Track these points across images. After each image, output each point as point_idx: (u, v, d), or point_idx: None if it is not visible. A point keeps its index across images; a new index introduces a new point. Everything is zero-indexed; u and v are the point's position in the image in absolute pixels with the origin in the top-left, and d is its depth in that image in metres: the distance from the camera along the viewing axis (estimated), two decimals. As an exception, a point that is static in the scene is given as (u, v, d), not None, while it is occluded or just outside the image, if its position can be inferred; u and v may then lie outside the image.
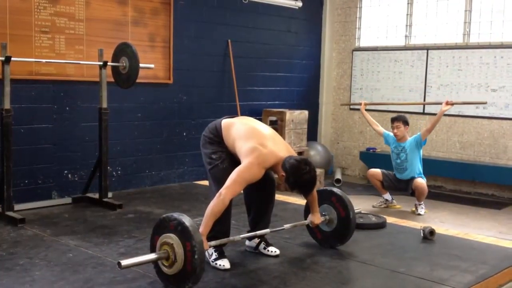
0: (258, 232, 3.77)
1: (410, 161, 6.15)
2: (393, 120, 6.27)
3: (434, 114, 6.47)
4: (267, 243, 3.94)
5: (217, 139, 3.74)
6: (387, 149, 6.78)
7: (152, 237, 3.29)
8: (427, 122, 6.87)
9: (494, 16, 7.23)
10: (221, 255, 3.63)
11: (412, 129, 7.52)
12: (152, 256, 3.18)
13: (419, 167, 6.19)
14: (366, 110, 6.69)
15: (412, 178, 6.13)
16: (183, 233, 3.09)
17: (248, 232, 3.93)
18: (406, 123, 6.23)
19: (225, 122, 3.77)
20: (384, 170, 6.38)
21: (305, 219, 4.12)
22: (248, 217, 3.99)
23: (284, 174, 3.46)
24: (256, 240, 3.93)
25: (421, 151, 6.24)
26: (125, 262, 3.01)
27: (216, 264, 3.60)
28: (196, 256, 3.03)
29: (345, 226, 4.03)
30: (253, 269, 3.63)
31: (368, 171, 6.55)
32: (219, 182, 3.52)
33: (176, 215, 3.19)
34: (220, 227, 3.58)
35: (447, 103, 6.03)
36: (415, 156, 6.15)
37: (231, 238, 3.58)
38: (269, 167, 3.53)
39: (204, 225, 3.30)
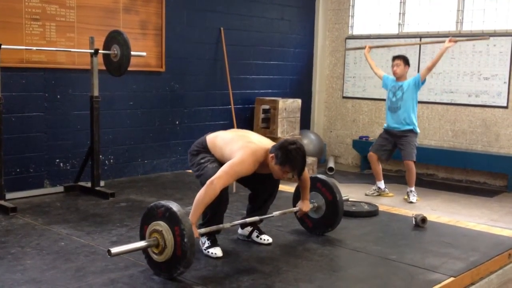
0: (248, 220, 3.78)
1: (405, 100, 6.11)
2: (394, 58, 6.25)
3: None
4: (260, 231, 3.95)
5: (204, 149, 3.76)
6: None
7: (141, 227, 3.30)
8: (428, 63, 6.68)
9: (487, 4, 7.23)
10: (213, 244, 3.64)
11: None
12: (142, 243, 3.19)
13: (413, 110, 6.13)
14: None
15: (403, 130, 6.09)
16: (171, 218, 3.11)
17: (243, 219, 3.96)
18: (406, 62, 6.20)
19: (209, 136, 3.83)
20: (373, 146, 6.37)
21: (294, 206, 4.14)
22: (248, 205, 4.01)
23: (273, 155, 3.48)
24: (249, 229, 3.95)
25: (417, 95, 6.20)
26: (115, 249, 3.02)
27: (208, 252, 3.60)
28: (185, 240, 3.04)
29: (333, 210, 4.05)
30: (246, 257, 3.64)
31: (368, 155, 6.50)
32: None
33: (163, 202, 3.21)
34: (214, 219, 3.61)
35: (450, 40, 6.00)
36: (411, 97, 6.12)
37: (220, 225, 3.58)
38: (261, 160, 3.54)
39: (193, 213, 3.32)
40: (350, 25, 8.52)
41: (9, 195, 4.92)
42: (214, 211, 3.57)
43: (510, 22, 7.06)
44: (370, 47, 6.70)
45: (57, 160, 5.71)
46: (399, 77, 6.19)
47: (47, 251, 3.67)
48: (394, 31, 8.04)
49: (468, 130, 7.40)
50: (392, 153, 6.37)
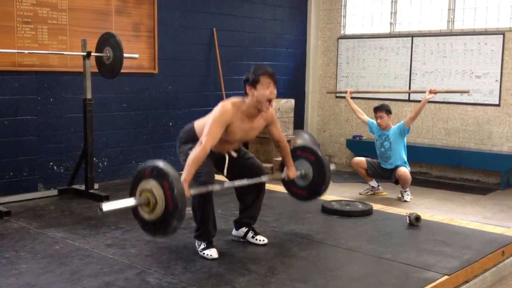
0: (236, 182, 3.74)
1: (394, 149, 6.18)
2: (376, 110, 6.28)
3: (419, 101, 6.49)
4: (255, 232, 3.96)
5: (192, 138, 3.76)
6: (373, 136, 6.81)
7: (131, 193, 3.31)
8: (412, 108, 6.88)
9: (478, 3, 7.26)
10: (209, 245, 3.65)
11: (398, 116, 7.57)
12: (133, 201, 3.22)
13: (403, 155, 6.21)
14: (352, 97, 6.69)
15: (396, 167, 6.16)
16: (159, 174, 3.15)
17: (236, 220, 3.98)
18: (388, 112, 6.25)
19: (197, 122, 3.86)
20: (368, 158, 6.41)
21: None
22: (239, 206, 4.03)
23: (247, 85, 3.60)
24: (244, 229, 3.96)
25: (405, 139, 6.26)
26: (106, 206, 3.09)
27: (204, 254, 3.61)
28: (175, 192, 3.07)
29: (320, 168, 4.11)
30: (241, 258, 3.65)
31: (352, 159, 6.58)
32: None
33: (149, 162, 3.26)
34: (206, 219, 3.64)
35: (430, 92, 6.05)
36: (399, 145, 6.18)
37: (210, 187, 3.54)
38: (240, 106, 3.63)
39: (186, 172, 3.36)
40: (342, 24, 8.53)
41: (2, 199, 4.92)
42: (203, 212, 3.60)
43: (501, 20, 7.10)
44: (352, 92, 6.71)
45: (51, 163, 5.70)
46: (384, 128, 6.24)
47: (42, 255, 3.66)
48: (386, 30, 8.07)
49: (460, 128, 7.43)
50: (378, 177, 6.40)
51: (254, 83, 3.59)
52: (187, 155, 3.62)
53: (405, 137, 6.25)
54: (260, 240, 3.92)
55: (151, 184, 3.15)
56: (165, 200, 3.11)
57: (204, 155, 3.40)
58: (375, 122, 6.32)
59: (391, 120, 6.32)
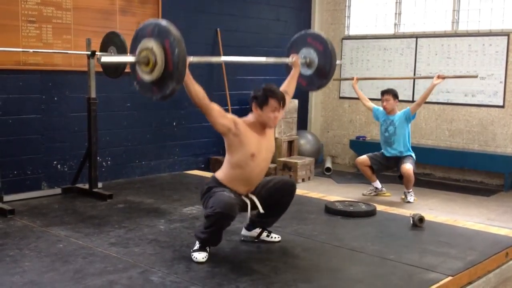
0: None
1: (398, 135, 6.18)
2: (383, 93, 6.28)
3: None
4: (269, 231, 3.95)
5: (215, 182, 3.63)
6: (376, 137, 6.82)
7: (130, 52, 3.23)
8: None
9: (483, 4, 7.26)
10: (201, 249, 3.52)
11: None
12: (132, 58, 3.14)
13: (407, 142, 6.21)
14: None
15: (401, 156, 6.15)
16: (160, 33, 3.04)
17: (250, 223, 3.89)
18: (395, 96, 6.26)
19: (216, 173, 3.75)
20: (370, 154, 6.39)
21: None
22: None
23: (254, 103, 3.59)
24: (258, 230, 3.91)
25: (410, 126, 6.26)
26: (104, 58, 3.07)
27: (192, 255, 3.51)
28: (176, 52, 2.98)
29: (326, 58, 4.11)
30: (244, 258, 3.64)
31: (356, 159, 6.57)
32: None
33: (151, 20, 3.18)
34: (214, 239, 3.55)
35: (438, 77, 6.06)
36: (404, 130, 6.17)
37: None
38: (242, 120, 3.60)
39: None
40: (346, 25, 8.53)
41: (6, 197, 4.92)
42: (218, 226, 3.46)
43: (506, 21, 7.10)
44: (358, 79, 6.76)
45: (55, 162, 5.71)
46: (389, 112, 6.24)
47: (46, 253, 3.66)
48: (390, 31, 8.07)
49: (464, 129, 7.42)
50: (383, 170, 6.41)
51: (261, 104, 3.55)
52: (210, 194, 3.51)
53: (410, 124, 6.25)
54: (275, 238, 3.93)
55: (152, 43, 3.05)
56: (165, 60, 3.01)
57: (195, 90, 3.37)
58: (380, 108, 6.32)
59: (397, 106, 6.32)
